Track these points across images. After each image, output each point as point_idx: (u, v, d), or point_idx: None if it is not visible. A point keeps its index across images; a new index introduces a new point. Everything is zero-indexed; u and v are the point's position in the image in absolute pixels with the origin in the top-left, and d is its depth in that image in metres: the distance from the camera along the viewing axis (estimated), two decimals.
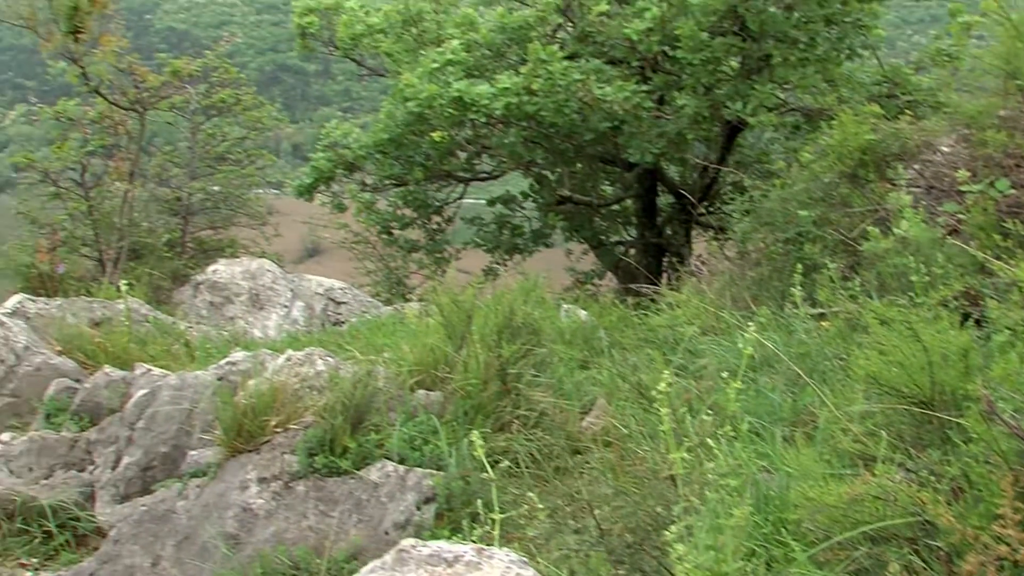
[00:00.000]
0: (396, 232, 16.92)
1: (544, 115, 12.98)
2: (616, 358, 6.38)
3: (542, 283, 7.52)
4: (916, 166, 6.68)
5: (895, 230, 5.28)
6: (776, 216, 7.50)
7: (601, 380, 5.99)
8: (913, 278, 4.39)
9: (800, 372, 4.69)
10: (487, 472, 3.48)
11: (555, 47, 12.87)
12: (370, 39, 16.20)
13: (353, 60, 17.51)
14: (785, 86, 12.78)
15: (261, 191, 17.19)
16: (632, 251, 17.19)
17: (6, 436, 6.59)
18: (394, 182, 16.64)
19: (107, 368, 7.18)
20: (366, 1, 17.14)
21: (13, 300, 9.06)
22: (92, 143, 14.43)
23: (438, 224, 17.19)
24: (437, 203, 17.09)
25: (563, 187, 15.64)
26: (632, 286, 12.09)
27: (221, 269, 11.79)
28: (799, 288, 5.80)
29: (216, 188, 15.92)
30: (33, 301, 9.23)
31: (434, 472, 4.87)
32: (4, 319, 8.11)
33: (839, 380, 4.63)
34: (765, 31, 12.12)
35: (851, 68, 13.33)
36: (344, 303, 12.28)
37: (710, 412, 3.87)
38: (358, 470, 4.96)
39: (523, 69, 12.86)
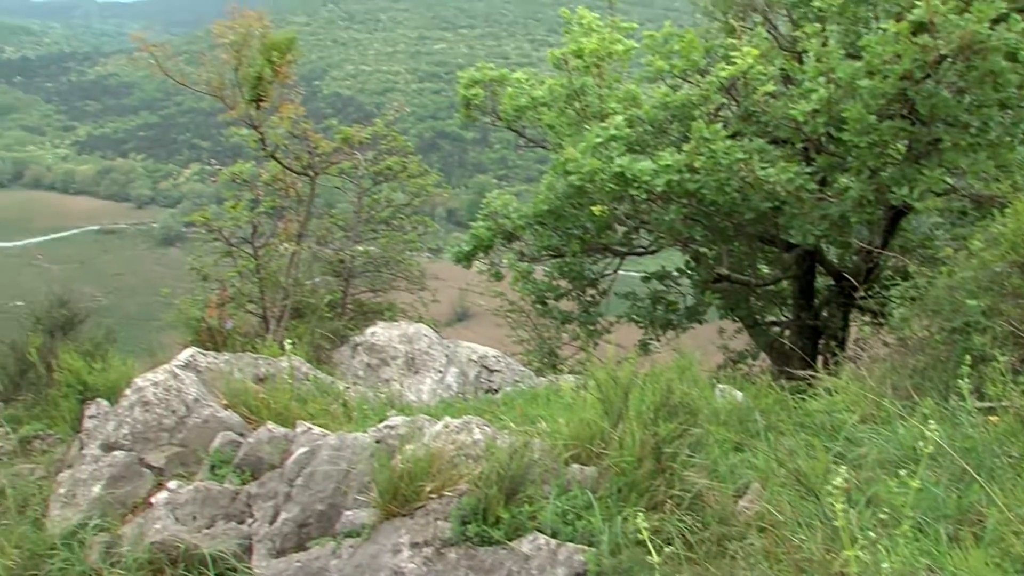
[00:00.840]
0: (551, 303, 17.06)
1: (705, 193, 12.96)
2: (772, 442, 6.28)
3: (697, 361, 7.47)
4: None
5: None
6: (942, 304, 7.31)
7: (756, 464, 5.90)
8: None
9: (967, 467, 4.54)
10: (648, 554, 3.45)
11: (718, 125, 12.85)
12: (533, 111, 16.50)
13: (514, 131, 17.83)
14: (954, 171, 12.44)
15: (420, 256, 17.51)
16: (787, 332, 16.94)
17: (173, 484, 6.82)
18: (551, 253, 16.83)
19: (270, 424, 7.38)
20: (530, 74, 17.48)
21: (186, 353, 9.39)
22: (264, 204, 14.99)
23: (592, 296, 17.27)
24: (593, 276, 17.19)
25: (720, 265, 15.52)
26: (787, 368, 11.88)
27: (379, 332, 12.02)
28: (966, 380, 5.63)
29: (377, 252, 16.30)
30: (203, 355, 9.55)
31: (586, 548, 4.86)
32: (177, 371, 8.43)
33: (1009, 479, 4.46)
34: (935, 115, 11.86)
35: None
36: (497, 371, 12.34)
37: (872, 505, 3.78)
38: (510, 541, 4.98)
39: (686, 147, 12.88)
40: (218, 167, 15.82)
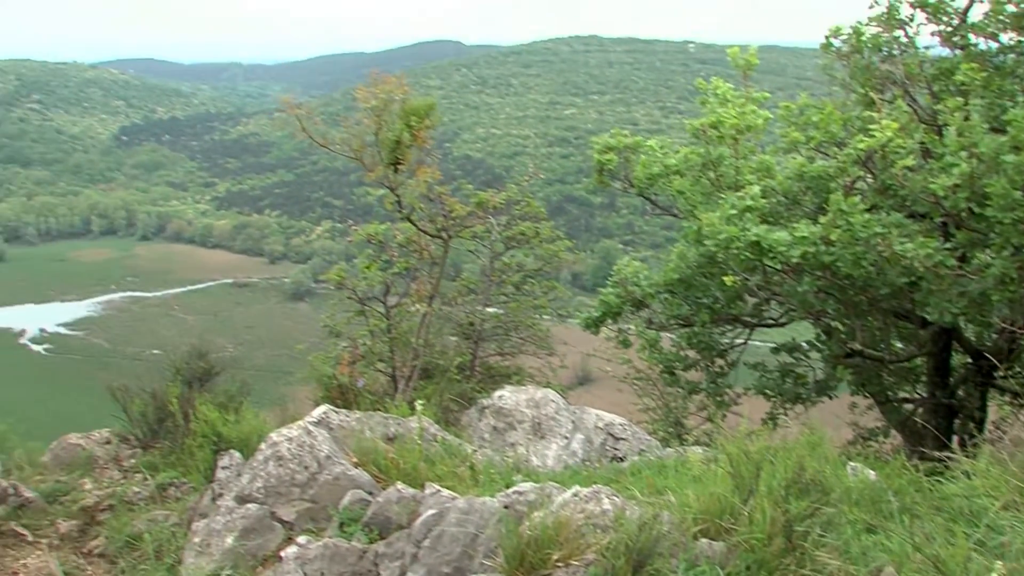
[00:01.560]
0: (678, 372, 16.92)
1: (840, 266, 12.74)
2: (907, 525, 6.10)
3: (827, 438, 7.34)
4: None
5: None
6: None
7: (890, 547, 5.74)
8: None
9: None
10: None
11: (856, 198, 12.67)
12: (666, 179, 16.49)
13: (646, 198, 17.84)
14: None
15: (549, 320, 17.58)
16: (921, 410, 16.45)
17: (303, 539, 6.94)
18: (680, 322, 16.73)
19: (399, 484, 7.47)
20: (664, 142, 17.51)
21: (319, 411, 9.57)
22: (398, 265, 15.29)
23: (721, 367, 17.08)
24: (721, 346, 17.00)
25: (853, 340, 15.21)
26: (920, 448, 11.55)
27: (507, 395, 12.08)
28: None
29: (507, 315, 16.42)
30: (336, 413, 9.72)
31: None
32: (311, 428, 8.60)
33: None
34: None
35: None
36: (623, 439, 12.28)
37: None
38: None
39: (822, 219, 12.71)
40: (354, 227, 16.16)
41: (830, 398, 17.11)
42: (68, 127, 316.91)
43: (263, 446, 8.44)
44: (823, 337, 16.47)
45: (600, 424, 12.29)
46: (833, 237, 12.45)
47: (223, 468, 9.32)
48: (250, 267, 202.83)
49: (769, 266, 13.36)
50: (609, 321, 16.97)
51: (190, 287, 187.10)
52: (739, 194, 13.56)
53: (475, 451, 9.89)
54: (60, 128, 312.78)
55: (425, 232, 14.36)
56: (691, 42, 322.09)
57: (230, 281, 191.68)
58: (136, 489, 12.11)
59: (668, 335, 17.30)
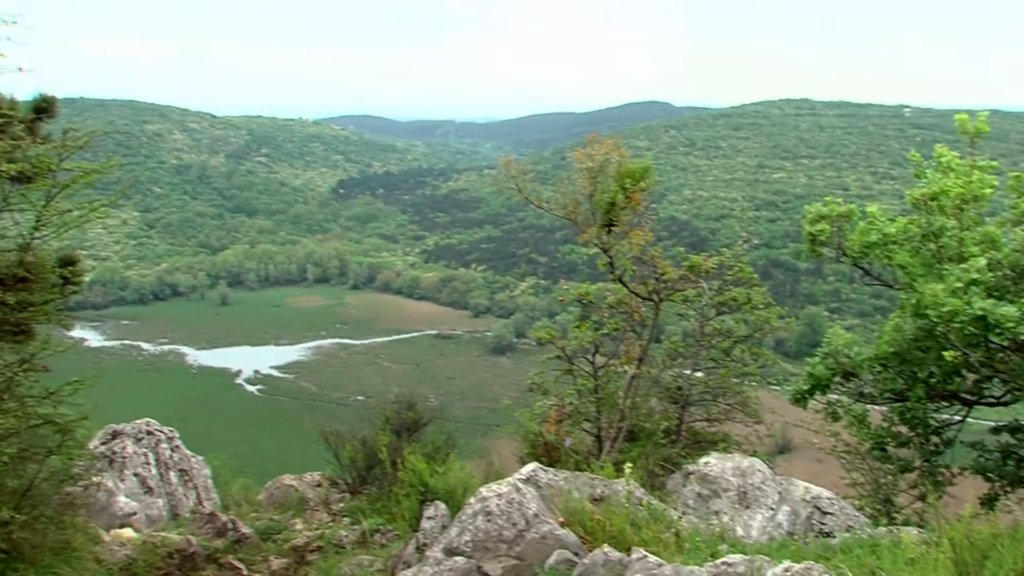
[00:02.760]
0: (889, 448, 16.35)
1: None
2: None
3: None
4: None
5: None
6: None
7: None
8: None
9: None
10: None
11: None
12: (883, 249, 16.05)
13: (860, 268, 17.40)
14: None
15: (756, 387, 17.26)
16: None
17: None
18: (893, 396, 16.19)
19: (606, 547, 7.51)
20: (882, 211, 17.08)
21: (528, 468, 9.71)
22: (607, 326, 15.39)
23: (936, 445, 16.40)
24: (936, 423, 16.34)
25: None
26: None
27: (713, 462, 11.97)
28: None
29: (715, 381, 16.24)
30: (544, 471, 9.85)
31: None
32: (520, 485, 8.73)
33: None
34: None
35: None
36: (830, 514, 11.96)
37: None
38: None
39: None
40: (566, 287, 16.37)
41: None
42: (291, 179, 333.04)
43: (472, 500, 8.62)
44: None
45: (807, 497, 12.02)
46: None
47: (428, 518, 9.56)
48: (454, 319, 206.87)
49: (994, 342, 12.83)
50: (817, 393, 16.58)
51: (396, 336, 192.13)
52: (963, 266, 13.11)
53: (680, 517, 9.83)
54: (284, 180, 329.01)
55: (637, 294, 14.42)
56: (906, 106, 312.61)
57: (434, 332, 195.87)
58: (344, 533, 12.57)
59: (878, 409, 16.76)
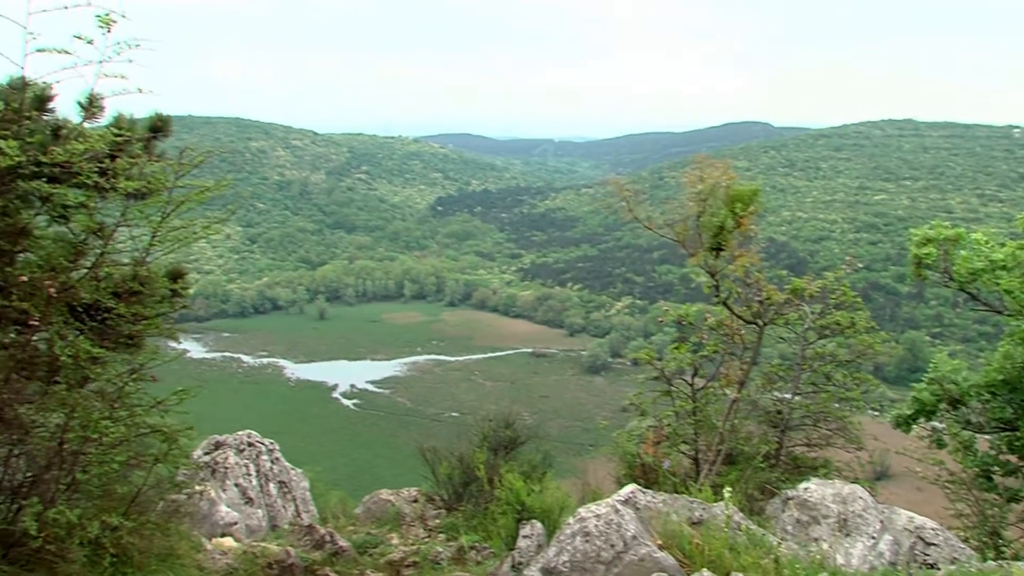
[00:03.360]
0: (996, 477, 15.94)
1: None
2: None
3: None
4: None
5: None
6: None
7: None
8: None
9: None
10: None
11: None
12: (991, 274, 15.70)
13: (968, 293, 17.02)
14: None
15: (858, 412, 16.95)
16: None
17: None
18: (1001, 425, 15.80)
19: (704, 571, 7.47)
20: (990, 235, 16.70)
21: (626, 490, 9.68)
22: (707, 348, 15.29)
23: None
24: None
25: None
26: None
27: (813, 488, 11.78)
28: None
29: (816, 405, 15.99)
30: (643, 493, 9.80)
31: None
32: (619, 507, 8.71)
33: None
34: None
35: None
36: (934, 545, 11.68)
37: None
38: None
39: None
40: (665, 308, 16.31)
41: None
42: (390, 196, 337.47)
43: (571, 520, 8.63)
44: None
45: (910, 526, 11.75)
46: None
47: (524, 537, 9.59)
48: (549, 338, 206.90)
49: None
50: (921, 419, 16.26)
51: (491, 354, 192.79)
52: None
53: (779, 543, 9.71)
54: (383, 197, 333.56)
55: (740, 317, 14.30)
56: (1016, 127, 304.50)
57: (529, 350, 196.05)
58: (440, 549, 12.65)
59: (986, 438, 16.36)
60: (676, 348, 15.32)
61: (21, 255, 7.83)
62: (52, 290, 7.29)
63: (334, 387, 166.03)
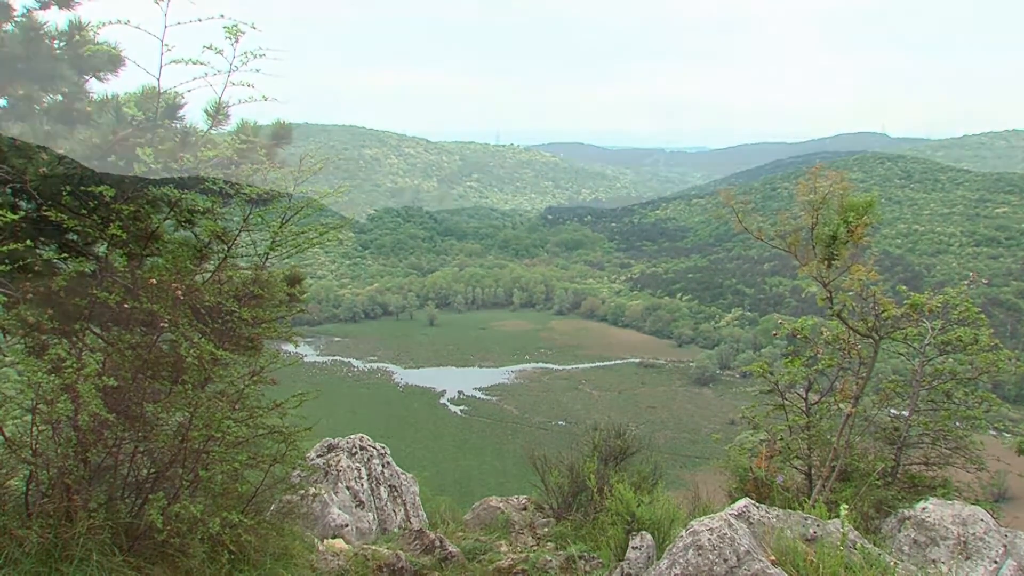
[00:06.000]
0: None
1: None
2: None
3: None
4: None
5: None
6: None
7: None
8: None
9: None
10: None
11: None
12: None
13: None
14: None
15: (980, 431, 16.46)
16: None
17: None
18: None
19: None
20: None
21: (740, 504, 9.56)
22: (822, 362, 15.03)
23: None
24: None
25: None
26: None
27: (931, 508, 11.49)
28: None
29: (935, 423, 15.57)
30: (756, 507, 9.67)
31: None
32: (732, 521, 8.62)
33: None
34: None
35: None
36: None
37: None
38: None
39: None
40: (780, 321, 16.09)
41: None
42: (500, 204, 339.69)
43: (683, 533, 8.57)
44: None
45: None
46: None
47: (634, 548, 9.55)
48: (657, 348, 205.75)
49: None
50: None
51: (599, 363, 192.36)
52: None
53: (896, 564, 9.48)
54: (493, 205, 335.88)
55: (855, 331, 14.01)
56: None
57: (637, 361, 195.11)
58: (548, 557, 12.64)
59: None
60: (789, 362, 15.09)
61: (150, 258, 8.08)
62: (179, 293, 7.50)
63: (442, 393, 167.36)
